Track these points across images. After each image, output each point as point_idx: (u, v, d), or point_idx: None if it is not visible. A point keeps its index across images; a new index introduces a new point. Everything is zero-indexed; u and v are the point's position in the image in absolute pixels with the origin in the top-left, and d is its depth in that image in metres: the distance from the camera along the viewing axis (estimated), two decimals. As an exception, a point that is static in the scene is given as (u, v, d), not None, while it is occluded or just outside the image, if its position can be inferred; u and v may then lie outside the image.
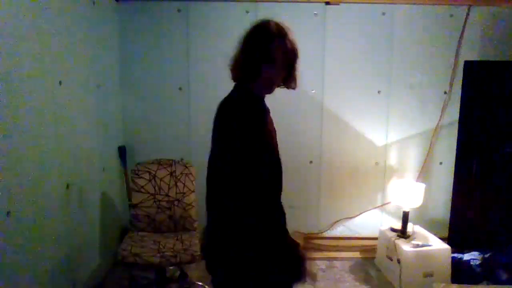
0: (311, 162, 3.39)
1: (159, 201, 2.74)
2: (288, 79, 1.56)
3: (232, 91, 1.56)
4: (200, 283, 2.82)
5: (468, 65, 3.24)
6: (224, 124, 1.42)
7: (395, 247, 2.88)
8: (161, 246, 2.45)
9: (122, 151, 3.26)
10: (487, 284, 2.72)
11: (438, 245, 2.87)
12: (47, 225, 2.12)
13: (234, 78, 1.54)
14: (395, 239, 2.93)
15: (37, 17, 2.01)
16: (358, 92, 3.33)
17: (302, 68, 3.40)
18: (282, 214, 1.50)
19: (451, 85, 3.33)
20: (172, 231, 2.72)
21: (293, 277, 1.46)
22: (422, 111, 3.37)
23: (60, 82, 2.24)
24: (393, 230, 3.09)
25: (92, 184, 2.74)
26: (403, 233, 2.98)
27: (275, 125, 1.58)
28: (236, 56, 1.47)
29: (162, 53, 3.26)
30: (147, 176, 2.76)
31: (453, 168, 3.34)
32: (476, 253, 2.96)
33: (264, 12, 3.21)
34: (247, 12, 3.22)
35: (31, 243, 1.96)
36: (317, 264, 3.22)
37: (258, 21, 1.46)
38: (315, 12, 3.23)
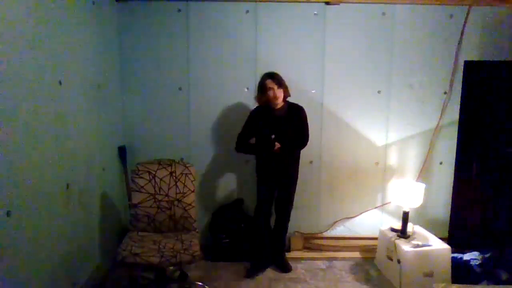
0: (311, 162, 3.39)
1: (159, 201, 2.74)
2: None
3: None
4: (200, 283, 2.82)
5: (468, 65, 3.24)
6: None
7: (395, 247, 2.88)
8: (161, 246, 2.45)
9: (122, 151, 3.26)
10: (487, 284, 2.72)
11: (438, 245, 2.87)
12: (47, 225, 2.12)
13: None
14: (395, 239, 2.93)
15: (37, 17, 2.01)
16: (358, 92, 3.34)
17: (302, 68, 3.41)
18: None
19: (451, 85, 3.33)
20: (172, 231, 2.72)
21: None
22: (422, 111, 3.37)
23: (60, 82, 2.24)
24: (393, 230, 3.09)
25: (92, 184, 2.74)
26: (403, 233, 2.98)
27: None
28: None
29: (162, 53, 3.26)
30: (147, 176, 2.76)
31: (453, 168, 3.34)
32: (476, 253, 2.96)
33: (264, 12, 3.22)
34: (247, 12, 3.22)
35: (31, 243, 1.96)
36: (317, 264, 3.23)
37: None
38: (315, 12, 3.24)
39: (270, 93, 2.84)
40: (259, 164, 3.06)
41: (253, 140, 3.02)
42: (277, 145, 2.87)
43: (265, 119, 2.93)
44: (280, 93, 2.86)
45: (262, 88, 2.88)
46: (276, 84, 2.84)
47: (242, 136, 3.01)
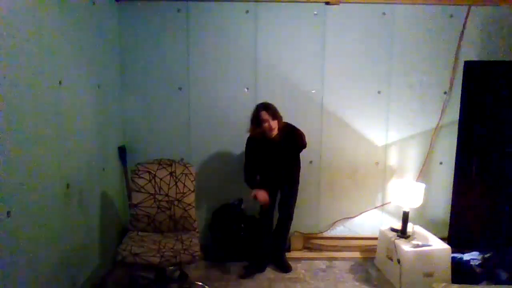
0: (311, 162, 3.39)
1: (159, 201, 2.74)
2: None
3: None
4: (200, 283, 2.82)
5: (468, 65, 3.24)
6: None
7: (395, 247, 2.88)
8: (161, 246, 2.45)
9: (122, 151, 3.26)
10: (487, 284, 2.72)
11: (438, 245, 2.87)
12: (47, 225, 2.12)
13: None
14: (395, 239, 2.93)
15: (37, 17, 2.01)
16: (358, 92, 3.33)
17: (302, 68, 3.41)
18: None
19: (451, 85, 3.33)
20: (172, 231, 2.72)
21: None
22: (422, 111, 3.37)
23: (60, 82, 2.25)
24: (393, 230, 3.09)
25: (92, 184, 2.74)
26: (403, 233, 2.98)
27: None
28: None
29: (162, 53, 3.26)
30: (147, 176, 2.76)
31: (453, 168, 3.34)
32: (476, 253, 2.96)
33: (264, 12, 3.22)
34: (247, 12, 3.22)
35: (31, 243, 1.96)
36: (317, 264, 3.23)
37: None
38: (315, 12, 3.24)
39: (266, 125, 2.78)
40: (261, 181, 3.03)
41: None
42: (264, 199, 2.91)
43: (262, 147, 2.89)
44: (275, 125, 2.80)
45: (256, 120, 2.81)
46: (270, 116, 2.78)
47: (248, 167, 2.98)
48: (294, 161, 3.03)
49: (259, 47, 3.26)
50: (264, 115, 2.78)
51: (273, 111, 2.82)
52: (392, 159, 3.43)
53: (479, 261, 2.87)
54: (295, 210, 3.14)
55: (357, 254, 3.40)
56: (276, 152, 2.90)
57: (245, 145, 2.99)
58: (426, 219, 3.42)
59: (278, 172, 2.96)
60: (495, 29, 3.26)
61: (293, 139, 2.92)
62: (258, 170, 3.01)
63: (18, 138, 1.86)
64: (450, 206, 3.39)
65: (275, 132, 2.83)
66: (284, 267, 3.10)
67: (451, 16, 3.25)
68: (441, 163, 3.43)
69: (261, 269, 3.07)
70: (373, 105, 3.36)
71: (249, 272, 3.02)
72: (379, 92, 3.34)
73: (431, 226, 3.31)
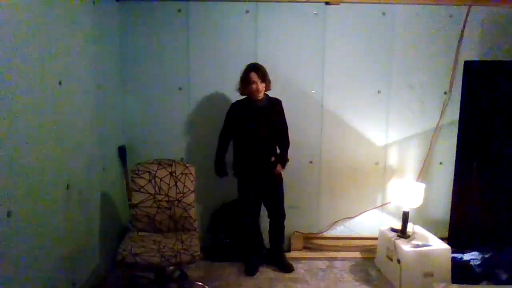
0: (311, 162, 3.39)
1: (159, 201, 2.74)
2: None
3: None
4: (200, 283, 2.82)
5: (468, 65, 3.24)
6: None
7: (395, 247, 2.88)
8: (161, 246, 2.45)
9: (122, 151, 3.26)
10: (487, 284, 2.72)
11: (438, 245, 2.87)
12: (47, 225, 2.12)
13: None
14: (395, 239, 2.93)
15: (37, 17, 2.01)
16: (358, 92, 3.33)
17: (302, 68, 3.40)
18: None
19: (451, 85, 3.33)
20: (172, 231, 2.72)
21: None
22: (422, 111, 3.37)
23: (60, 82, 2.24)
24: (393, 230, 3.09)
25: (92, 184, 2.74)
26: (403, 233, 2.98)
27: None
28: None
29: (162, 53, 3.26)
30: (147, 176, 2.76)
31: (453, 168, 3.34)
32: (476, 253, 2.96)
33: (264, 12, 3.22)
34: (247, 12, 3.22)
35: (31, 243, 1.96)
36: (317, 264, 3.23)
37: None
38: (315, 12, 3.24)
39: (253, 86, 2.83)
40: (238, 164, 3.03)
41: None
42: (279, 169, 2.98)
43: (247, 111, 2.93)
44: (262, 88, 2.86)
45: (245, 81, 2.87)
46: (260, 78, 2.84)
47: (223, 135, 3.03)
48: (276, 140, 3.01)
49: (259, 47, 3.26)
50: (253, 76, 2.83)
51: (262, 73, 2.86)
52: (392, 159, 3.43)
53: (479, 261, 2.87)
54: (296, 211, 3.14)
55: (357, 254, 3.40)
56: (260, 117, 2.90)
57: (226, 112, 2.99)
58: (426, 219, 3.41)
59: (259, 147, 2.93)
60: (495, 29, 3.26)
61: (277, 109, 2.97)
62: (239, 146, 2.99)
63: (18, 138, 1.86)
64: (450, 206, 3.40)
65: (261, 95, 2.89)
66: (285, 267, 3.10)
67: (451, 16, 3.25)
68: (441, 163, 3.43)
69: (261, 262, 3.12)
70: (373, 105, 3.36)
71: (252, 269, 3.04)
72: (379, 92, 3.34)
73: (431, 226, 3.30)
